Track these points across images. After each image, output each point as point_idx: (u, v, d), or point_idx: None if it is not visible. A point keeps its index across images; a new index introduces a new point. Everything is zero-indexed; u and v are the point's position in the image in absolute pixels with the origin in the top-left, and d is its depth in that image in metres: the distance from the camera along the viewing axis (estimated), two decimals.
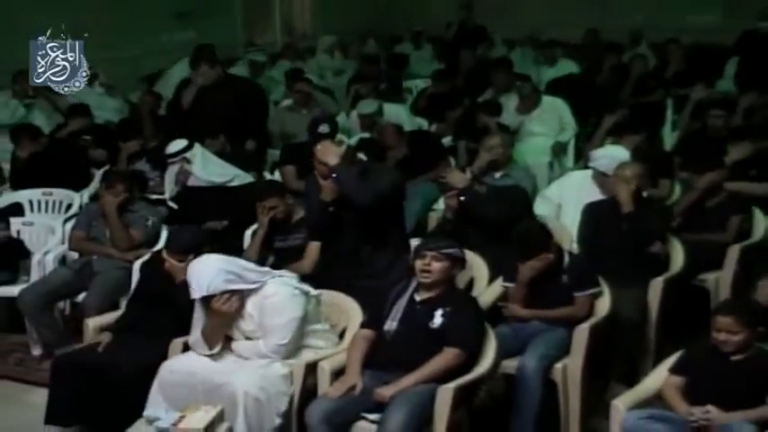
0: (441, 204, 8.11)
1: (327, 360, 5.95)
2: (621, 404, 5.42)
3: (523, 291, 6.44)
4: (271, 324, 5.89)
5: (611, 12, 15.78)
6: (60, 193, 9.20)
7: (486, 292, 6.77)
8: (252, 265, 6.14)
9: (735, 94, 11.78)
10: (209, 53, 10.47)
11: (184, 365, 5.90)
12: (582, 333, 6.24)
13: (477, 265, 6.96)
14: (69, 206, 9.11)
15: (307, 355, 6.01)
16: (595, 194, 7.77)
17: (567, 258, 6.58)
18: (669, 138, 11.19)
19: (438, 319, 5.75)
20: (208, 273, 5.80)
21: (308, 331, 6.06)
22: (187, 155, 8.65)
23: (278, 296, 5.92)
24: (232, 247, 7.07)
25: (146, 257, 7.22)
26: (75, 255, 8.06)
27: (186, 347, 6.12)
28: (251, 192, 7.93)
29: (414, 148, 9.61)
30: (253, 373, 5.78)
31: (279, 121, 11.05)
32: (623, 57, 13.95)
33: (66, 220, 8.60)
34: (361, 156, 7.63)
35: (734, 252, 7.55)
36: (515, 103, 11.23)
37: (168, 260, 6.42)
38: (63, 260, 8.12)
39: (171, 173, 8.72)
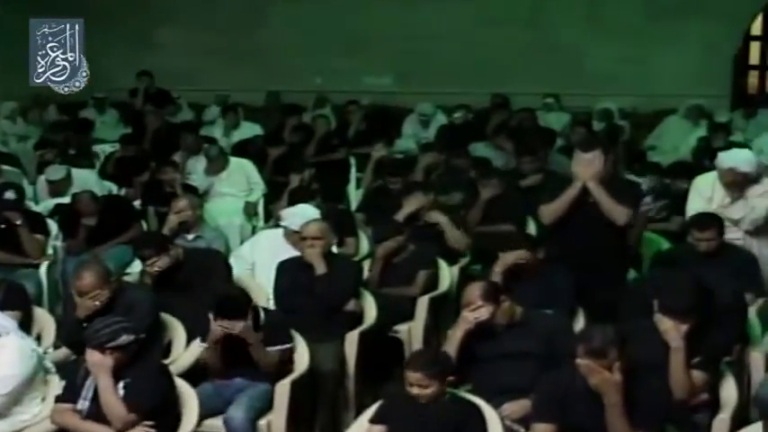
0: (136, 267, 7.93)
1: (34, 428, 5.90)
2: None
3: (218, 349, 6.33)
4: None
5: (291, 77, 15.92)
6: None
7: (186, 353, 6.67)
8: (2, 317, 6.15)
9: (414, 152, 12.08)
10: None
11: None
12: (283, 388, 6.26)
13: (173, 327, 6.86)
14: None
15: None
16: (288, 252, 7.76)
17: (262, 315, 6.53)
18: (354, 195, 11.36)
19: (121, 392, 5.64)
20: None
21: (24, 396, 5.93)
22: None
23: (14, 349, 5.89)
24: None
25: None
26: None
27: None
28: None
29: (105, 214, 9.36)
30: None
31: None
32: (305, 117, 14.08)
33: None
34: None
35: (423, 303, 7.70)
36: (204, 165, 11.16)
37: None
38: None
39: None
